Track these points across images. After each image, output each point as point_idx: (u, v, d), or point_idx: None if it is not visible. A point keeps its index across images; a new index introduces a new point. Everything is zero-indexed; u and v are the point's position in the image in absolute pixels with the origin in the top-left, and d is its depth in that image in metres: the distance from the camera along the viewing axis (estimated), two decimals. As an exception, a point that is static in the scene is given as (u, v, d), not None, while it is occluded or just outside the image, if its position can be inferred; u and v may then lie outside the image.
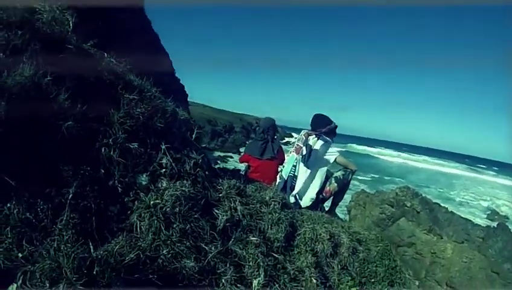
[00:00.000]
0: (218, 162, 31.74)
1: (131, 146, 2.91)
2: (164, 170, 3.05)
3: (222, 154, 43.23)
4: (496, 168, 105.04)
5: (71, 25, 3.47)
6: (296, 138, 6.08)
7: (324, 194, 6.05)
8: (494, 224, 15.58)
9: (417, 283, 5.21)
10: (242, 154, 6.72)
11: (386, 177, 41.47)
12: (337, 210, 19.36)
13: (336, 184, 6.18)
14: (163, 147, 3.10)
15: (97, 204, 2.55)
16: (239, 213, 3.41)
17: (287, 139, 79.02)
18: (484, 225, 15.48)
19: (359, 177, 35.25)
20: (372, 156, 75.88)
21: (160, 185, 2.96)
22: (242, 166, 6.79)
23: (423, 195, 16.75)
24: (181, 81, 15.79)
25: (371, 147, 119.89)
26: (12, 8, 2.69)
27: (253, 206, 3.69)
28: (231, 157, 43.70)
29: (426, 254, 14.85)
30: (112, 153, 2.77)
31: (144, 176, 2.93)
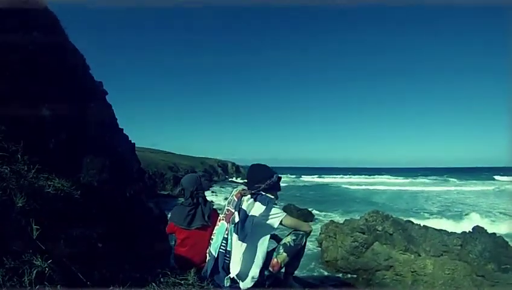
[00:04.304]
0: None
1: None
2: None
3: (187, 199, 42.32)
4: (457, 175, 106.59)
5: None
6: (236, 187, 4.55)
7: (271, 269, 4.25)
8: (469, 229, 15.54)
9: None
10: (169, 222, 5.34)
11: (350, 204, 40.86)
12: (308, 242, 19.09)
13: (285, 254, 4.37)
14: None
15: None
16: None
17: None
18: (460, 232, 15.50)
19: (323, 213, 34.05)
20: (330, 186, 75.05)
21: None
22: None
23: (393, 216, 16.76)
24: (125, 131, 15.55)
25: (326, 176, 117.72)
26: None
27: None
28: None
29: (406, 273, 14.62)
30: None
31: None
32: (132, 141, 19.64)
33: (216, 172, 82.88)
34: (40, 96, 5.82)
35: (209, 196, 42.40)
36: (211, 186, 57.77)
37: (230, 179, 77.72)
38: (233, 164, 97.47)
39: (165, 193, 41.34)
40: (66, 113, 6.53)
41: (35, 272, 2.02)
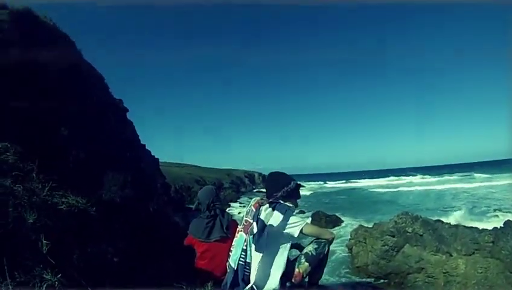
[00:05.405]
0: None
1: None
2: None
3: (214, 213, 42.54)
4: (484, 169, 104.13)
5: None
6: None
7: (294, 280, 4.06)
8: (500, 224, 15.09)
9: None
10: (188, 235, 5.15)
11: (379, 207, 40.24)
12: (337, 248, 18.96)
13: (307, 263, 4.17)
14: None
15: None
16: None
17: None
18: (491, 228, 15.09)
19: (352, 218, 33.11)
20: (357, 190, 74.02)
21: None
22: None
23: (422, 217, 16.42)
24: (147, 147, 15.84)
25: (352, 180, 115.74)
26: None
27: None
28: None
29: (438, 275, 14.30)
30: None
31: None
32: (156, 157, 19.92)
33: (243, 183, 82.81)
34: (58, 118, 5.93)
35: (237, 207, 42.20)
36: (239, 198, 57.69)
37: (257, 190, 77.40)
38: (259, 174, 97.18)
39: (192, 206, 40.99)
40: (85, 133, 6.64)
41: (45, 286, 2.06)
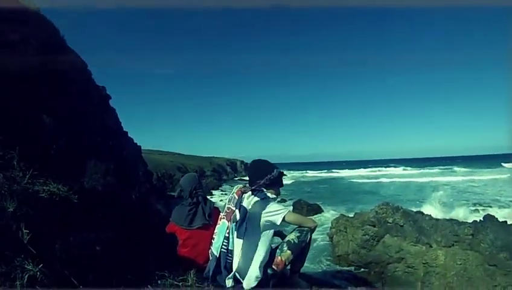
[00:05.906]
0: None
1: None
2: None
3: (196, 200, 42.41)
4: (465, 164, 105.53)
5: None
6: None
7: (275, 267, 4.12)
8: (480, 217, 15.29)
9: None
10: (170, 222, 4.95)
11: (360, 197, 40.59)
12: (318, 236, 19.09)
13: (289, 251, 4.24)
14: None
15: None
16: None
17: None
18: (470, 221, 15.28)
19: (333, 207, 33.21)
20: (338, 180, 74.67)
21: None
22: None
23: (403, 207, 16.56)
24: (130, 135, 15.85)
25: (334, 170, 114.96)
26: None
27: None
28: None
29: (418, 265, 14.43)
30: None
31: None
32: (138, 144, 19.90)
33: (225, 171, 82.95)
34: (40, 104, 5.86)
35: (218, 195, 42.22)
36: (220, 186, 57.68)
37: (238, 178, 77.49)
38: (241, 162, 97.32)
39: (174, 194, 41.04)
40: (67, 120, 6.57)
41: (26, 276, 2.03)
